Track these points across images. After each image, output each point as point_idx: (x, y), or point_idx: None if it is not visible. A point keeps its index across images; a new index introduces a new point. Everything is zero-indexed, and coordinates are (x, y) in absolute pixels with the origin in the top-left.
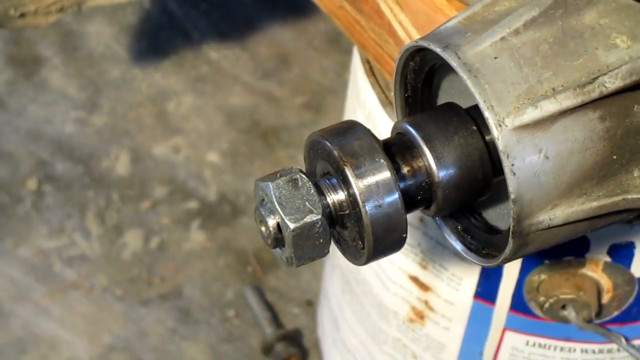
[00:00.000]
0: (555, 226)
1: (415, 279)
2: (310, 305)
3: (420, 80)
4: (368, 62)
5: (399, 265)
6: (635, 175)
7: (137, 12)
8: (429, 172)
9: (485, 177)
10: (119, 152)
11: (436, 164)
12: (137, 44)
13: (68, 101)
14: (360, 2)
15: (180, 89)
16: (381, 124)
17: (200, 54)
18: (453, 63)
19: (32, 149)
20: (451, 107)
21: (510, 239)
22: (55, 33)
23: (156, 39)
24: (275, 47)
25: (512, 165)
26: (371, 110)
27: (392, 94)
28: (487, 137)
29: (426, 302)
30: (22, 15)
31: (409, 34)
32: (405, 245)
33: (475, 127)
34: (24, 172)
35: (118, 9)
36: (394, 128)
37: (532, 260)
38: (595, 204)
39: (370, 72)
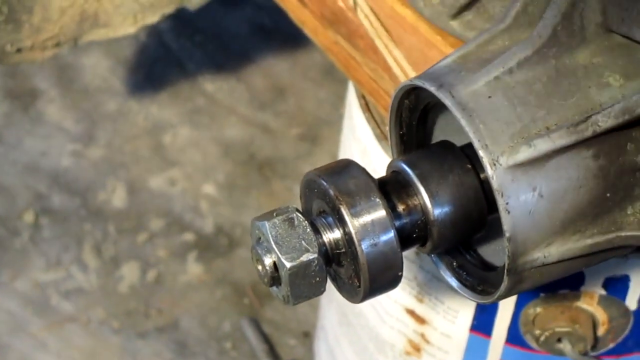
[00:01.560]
0: (550, 263)
1: (411, 312)
2: (307, 336)
3: (415, 118)
4: (363, 97)
5: (395, 298)
6: (628, 212)
7: (133, 45)
8: (424, 211)
9: (480, 214)
10: (115, 184)
11: (431, 202)
12: (133, 76)
13: (64, 134)
14: (355, 38)
15: (176, 121)
16: (377, 158)
17: (196, 86)
18: (447, 102)
19: (29, 182)
20: (446, 145)
21: (505, 277)
22: (52, 66)
23: (152, 72)
24: (270, 78)
25: (507, 203)
26: (367, 145)
27: (387, 130)
28: (481, 175)
29: (422, 335)
30: (19, 50)
31: (404, 70)
32: (402, 278)
33: (469, 166)
34: (20, 205)
35: (114, 42)
36: (389, 166)
37: (528, 294)
38: (589, 241)
39: (366, 107)
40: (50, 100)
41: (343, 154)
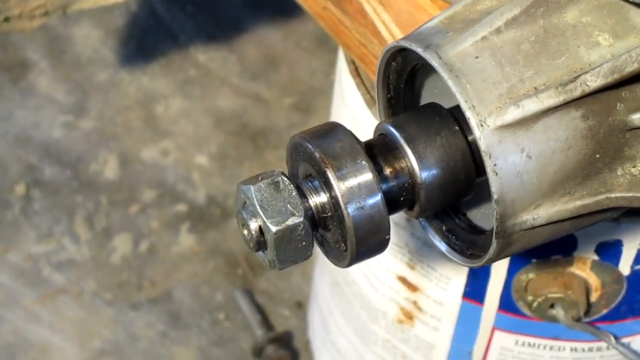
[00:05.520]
0: (539, 226)
1: (403, 280)
2: (301, 307)
3: (403, 80)
4: (353, 62)
5: (387, 266)
6: (618, 173)
7: (124, 15)
8: (411, 173)
9: (468, 177)
10: (107, 156)
11: (418, 164)
12: (124, 47)
13: (55, 105)
14: (344, 3)
15: (168, 92)
16: (367, 124)
17: (188, 57)
18: (434, 63)
19: (20, 153)
20: (433, 107)
21: (494, 240)
22: (42, 37)
23: (143, 42)
24: (263, 48)
25: (495, 165)
26: (357, 111)
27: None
28: (469, 137)
29: (415, 303)
30: (7, 19)
31: (392, 34)
32: (393, 246)
33: (457, 128)
34: (12, 177)
35: (104, 12)
36: (377, 129)
37: (520, 260)
38: (578, 203)
39: (356, 72)
40: (41, 71)
41: (332, 120)
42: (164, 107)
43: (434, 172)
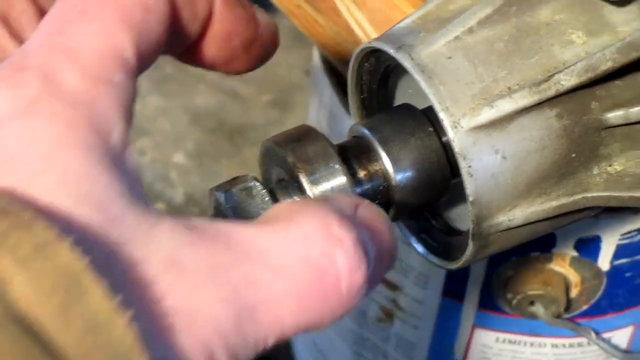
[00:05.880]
0: (516, 227)
1: (382, 279)
2: None
3: (376, 81)
4: (328, 61)
5: None
6: (594, 172)
7: None
8: (385, 176)
9: (443, 178)
10: None
11: (393, 166)
12: None
13: None
14: (317, 1)
15: (144, 90)
16: (343, 123)
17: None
18: (406, 64)
19: None
20: (407, 108)
21: (470, 241)
22: None
23: None
24: None
25: (469, 167)
26: (332, 109)
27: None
28: (443, 139)
29: (394, 301)
30: None
31: (366, 33)
32: None
33: (432, 129)
34: None
35: None
36: (350, 131)
37: (499, 257)
38: (555, 203)
39: (331, 71)
40: None
41: (310, 120)
42: (140, 105)
43: (408, 174)
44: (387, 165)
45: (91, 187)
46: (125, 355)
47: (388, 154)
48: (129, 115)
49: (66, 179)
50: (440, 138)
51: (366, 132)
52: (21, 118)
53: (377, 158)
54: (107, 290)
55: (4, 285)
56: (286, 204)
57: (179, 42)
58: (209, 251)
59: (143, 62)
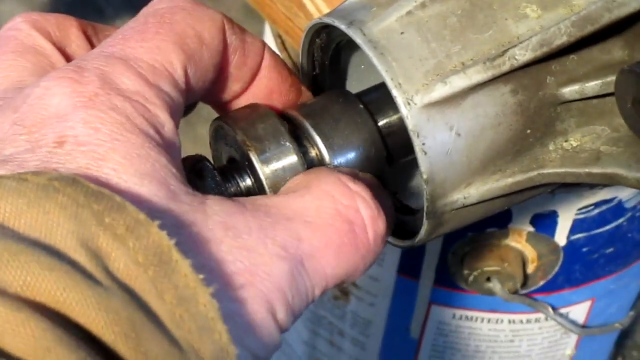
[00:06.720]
0: (471, 204)
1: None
2: None
3: (328, 57)
4: (280, 36)
5: None
6: (550, 148)
7: None
8: (321, 162)
9: (377, 156)
10: None
11: (329, 153)
12: None
13: None
14: None
15: None
16: None
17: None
18: (358, 40)
19: None
20: (339, 92)
21: (425, 220)
22: None
23: None
24: None
25: (423, 144)
26: None
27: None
28: (395, 116)
29: None
30: None
31: (318, 7)
32: None
33: (362, 106)
34: None
35: None
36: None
37: (455, 234)
38: (510, 180)
39: (282, 46)
40: None
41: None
42: None
43: (346, 155)
44: (323, 151)
45: (152, 166)
46: (209, 325)
47: (324, 141)
48: (176, 121)
49: (131, 159)
50: (372, 115)
51: (302, 120)
52: (84, 109)
53: (312, 144)
54: (192, 265)
55: (106, 259)
56: (300, 176)
57: (224, 89)
58: (254, 216)
59: (190, 88)
